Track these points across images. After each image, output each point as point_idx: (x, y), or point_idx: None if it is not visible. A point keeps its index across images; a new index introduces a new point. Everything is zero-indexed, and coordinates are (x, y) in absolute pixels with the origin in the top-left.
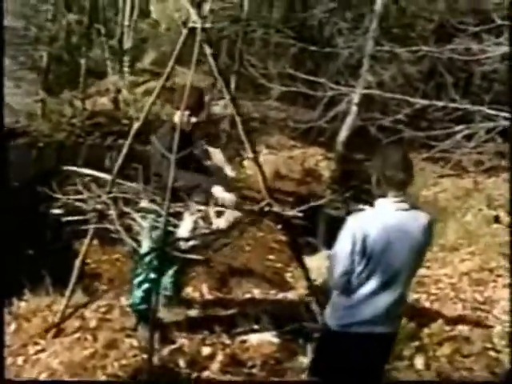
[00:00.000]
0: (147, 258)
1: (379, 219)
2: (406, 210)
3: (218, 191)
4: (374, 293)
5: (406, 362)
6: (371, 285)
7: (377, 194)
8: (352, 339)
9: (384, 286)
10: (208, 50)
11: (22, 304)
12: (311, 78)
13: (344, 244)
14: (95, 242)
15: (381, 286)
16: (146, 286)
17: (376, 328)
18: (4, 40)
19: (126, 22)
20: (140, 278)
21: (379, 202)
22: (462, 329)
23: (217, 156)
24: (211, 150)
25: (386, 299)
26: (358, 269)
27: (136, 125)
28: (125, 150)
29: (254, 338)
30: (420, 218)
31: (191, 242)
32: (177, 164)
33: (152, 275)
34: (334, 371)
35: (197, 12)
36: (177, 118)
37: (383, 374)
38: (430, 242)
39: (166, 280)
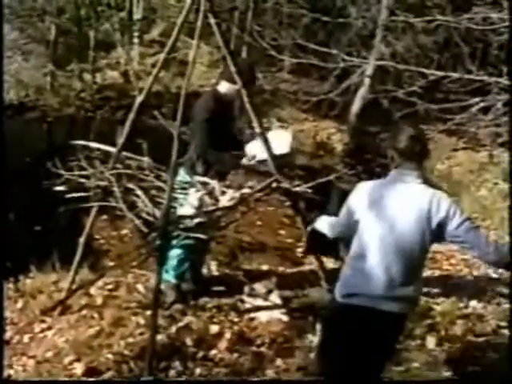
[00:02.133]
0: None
1: (388, 189)
2: (418, 183)
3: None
4: (377, 265)
5: (418, 341)
6: (373, 256)
7: (392, 167)
8: (353, 312)
9: (387, 259)
10: (212, 20)
11: (28, 281)
12: (323, 49)
13: (347, 203)
14: (104, 217)
15: (384, 258)
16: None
17: (377, 304)
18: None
19: None
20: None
21: (392, 173)
22: (476, 306)
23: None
24: None
25: (389, 275)
26: (354, 239)
27: (139, 98)
28: (128, 125)
29: (262, 316)
30: (430, 193)
31: (196, 220)
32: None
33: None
34: (335, 346)
35: None
36: (223, 88)
37: (389, 357)
38: (445, 221)
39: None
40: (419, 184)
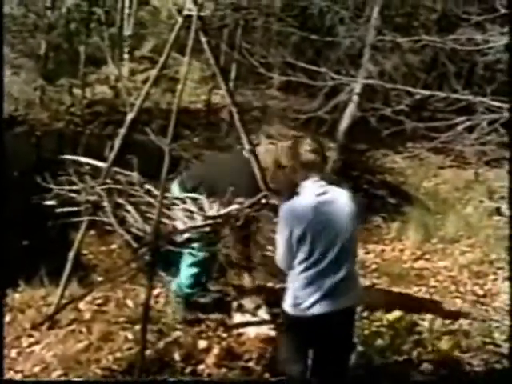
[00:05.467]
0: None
1: (307, 203)
2: (328, 186)
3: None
4: (326, 270)
5: (405, 356)
6: (320, 263)
7: (297, 180)
8: (317, 320)
9: (332, 262)
10: (203, 39)
11: (17, 295)
12: (312, 67)
13: (281, 232)
14: (92, 232)
15: (330, 263)
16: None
17: (331, 306)
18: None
19: (127, 10)
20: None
21: (302, 187)
22: (462, 323)
23: None
24: None
25: (339, 275)
26: (300, 253)
27: (130, 115)
28: (119, 141)
29: (250, 331)
30: (342, 193)
31: (186, 235)
32: None
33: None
34: (305, 356)
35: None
36: None
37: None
38: (356, 213)
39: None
40: (331, 187)
